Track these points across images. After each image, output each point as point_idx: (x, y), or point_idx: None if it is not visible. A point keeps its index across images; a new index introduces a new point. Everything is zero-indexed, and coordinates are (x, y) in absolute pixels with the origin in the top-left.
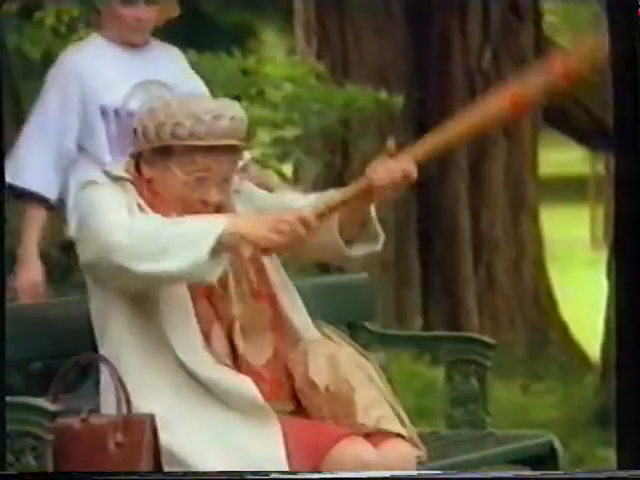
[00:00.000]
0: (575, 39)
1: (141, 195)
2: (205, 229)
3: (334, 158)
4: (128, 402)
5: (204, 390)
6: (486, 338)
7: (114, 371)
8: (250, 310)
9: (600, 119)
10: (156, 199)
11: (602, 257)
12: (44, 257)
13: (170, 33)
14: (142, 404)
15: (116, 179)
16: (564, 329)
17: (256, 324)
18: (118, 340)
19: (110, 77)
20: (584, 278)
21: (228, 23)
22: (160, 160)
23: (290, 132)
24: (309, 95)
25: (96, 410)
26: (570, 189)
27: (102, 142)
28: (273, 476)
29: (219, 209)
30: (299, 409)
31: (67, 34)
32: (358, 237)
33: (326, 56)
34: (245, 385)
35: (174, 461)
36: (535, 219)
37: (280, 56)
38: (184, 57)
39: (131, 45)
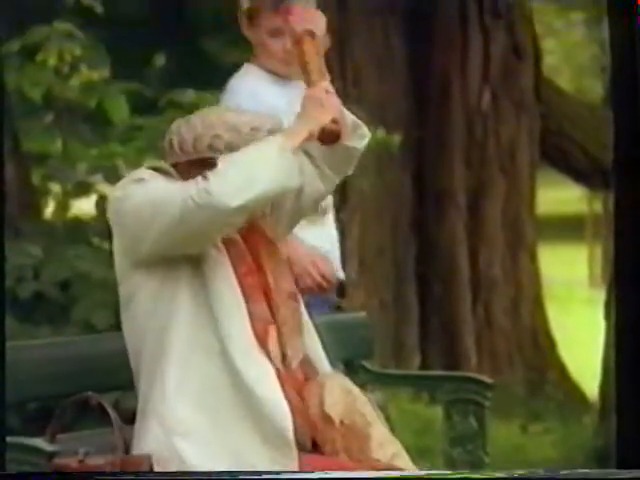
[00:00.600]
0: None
1: None
2: (270, 146)
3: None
4: (125, 442)
5: (238, 403)
6: (484, 378)
7: (112, 409)
8: (289, 311)
9: (598, 158)
10: None
11: (600, 296)
12: (42, 297)
13: (170, 72)
14: (174, 406)
15: (164, 173)
16: (562, 368)
17: (293, 326)
18: (168, 343)
19: (271, 106)
20: (582, 317)
21: (229, 63)
22: (197, 171)
23: None
24: None
25: (94, 450)
26: (568, 228)
27: None
28: (271, 476)
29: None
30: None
31: (69, 74)
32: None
33: None
34: (283, 415)
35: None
36: (533, 258)
37: None
38: None
39: (282, 76)
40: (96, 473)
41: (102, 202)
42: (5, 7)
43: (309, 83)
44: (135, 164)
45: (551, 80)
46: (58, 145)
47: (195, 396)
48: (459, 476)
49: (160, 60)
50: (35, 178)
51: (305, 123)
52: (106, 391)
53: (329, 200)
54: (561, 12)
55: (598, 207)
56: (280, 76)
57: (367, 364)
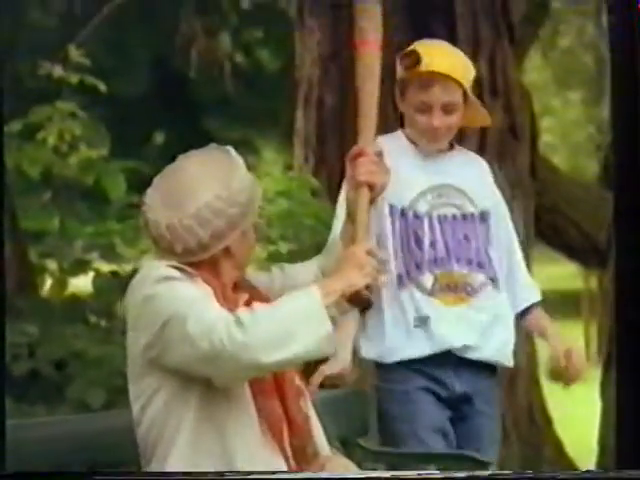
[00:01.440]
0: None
1: (207, 284)
2: (308, 304)
3: None
4: None
5: None
6: (481, 456)
7: None
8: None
9: (592, 236)
10: (219, 282)
11: (596, 374)
12: (37, 375)
13: (169, 150)
14: None
15: (188, 274)
16: (559, 446)
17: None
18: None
19: (403, 176)
20: (578, 395)
21: (229, 140)
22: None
23: (284, 247)
24: (303, 211)
25: None
26: (563, 305)
27: (387, 237)
28: (273, 476)
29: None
30: None
31: (68, 152)
32: None
33: (323, 172)
34: None
35: None
36: (529, 335)
37: (277, 172)
38: (489, 172)
39: (426, 150)
40: (96, 473)
41: (99, 280)
42: (10, 86)
43: (354, 236)
44: (132, 242)
45: (547, 158)
46: (55, 223)
47: None
48: (456, 475)
49: (160, 138)
50: (32, 255)
51: (340, 283)
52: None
53: (481, 279)
54: (560, 91)
55: (594, 284)
56: (424, 150)
57: (363, 442)
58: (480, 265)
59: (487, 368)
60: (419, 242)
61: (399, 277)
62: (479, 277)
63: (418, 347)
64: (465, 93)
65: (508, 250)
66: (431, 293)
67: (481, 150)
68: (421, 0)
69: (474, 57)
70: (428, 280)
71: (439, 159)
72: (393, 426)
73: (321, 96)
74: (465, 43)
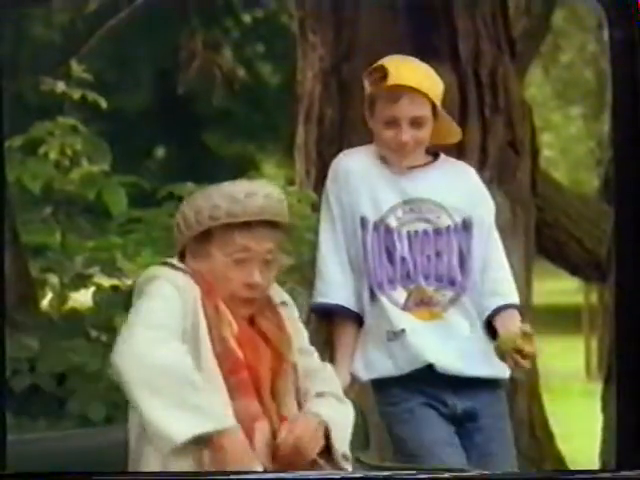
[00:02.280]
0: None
1: (197, 284)
2: (211, 417)
3: None
4: None
5: None
6: (480, 470)
7: None
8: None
9: (593, 251)
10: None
11: (597, 388)
12: (37, 390)
13: (170, 165)
14: None
15: (179, 270)
16: (560, 461)
17: None
18: None
19: (373, 191)
20: (579, 409)
21: (229, 156)
22: (202, 247)
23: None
24: (303, 225)
25: None
26: (564, 320)
27: (359, 251)
28: (269, 476)
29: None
30: None
31: (69, 167)
32: None
33: (323, 187)
34: None
35: None
36: None
37: (278, 187)
38: (476, 179)
39: (396, 167)
40: (95, 473)
41: (100, 294)
42: (12, 101)
43: None
44: (133, 256)
45: (547, 173)
46: (56, 237)
47: None
48: (455, 474)
49: (161, 152)
50: (33, 270)
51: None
52: None
53: (451, 295)
54: (560, 106)
55: (594, 299)
56: (394, 167)
57: (363, 457)
58: (451, 281)
59: (487, 382)
60: (391, 257)
61: (371, 291)
62: (449, 294)
63: (396, 364)
64: (434, 108)
65: (484, 258)
66: (405, 308)
67: (481, 166)
68: (422, 16)
69: (475, 72)
70: (401, 295)
71: (414, 174)
72: (407, 448)
73: (322, 111)
74: (466, 58)
